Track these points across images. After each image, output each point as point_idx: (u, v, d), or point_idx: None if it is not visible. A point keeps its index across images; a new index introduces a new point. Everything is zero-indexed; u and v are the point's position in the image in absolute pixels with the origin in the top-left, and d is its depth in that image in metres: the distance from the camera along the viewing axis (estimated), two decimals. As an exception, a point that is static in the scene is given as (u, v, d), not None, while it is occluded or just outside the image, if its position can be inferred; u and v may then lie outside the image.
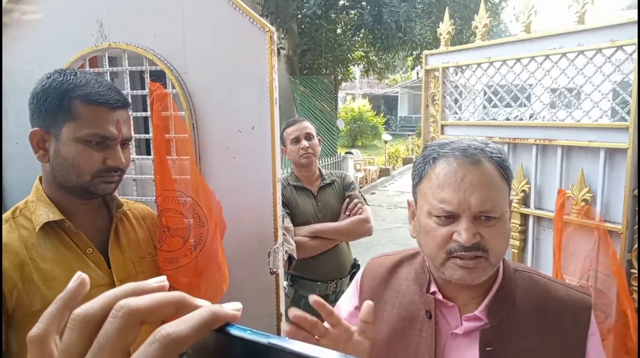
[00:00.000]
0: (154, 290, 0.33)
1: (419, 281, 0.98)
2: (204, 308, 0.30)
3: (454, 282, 0.87)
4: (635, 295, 1.44)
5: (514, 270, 0.95)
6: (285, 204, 2.19)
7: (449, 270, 0.85)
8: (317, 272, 2.22)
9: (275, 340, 0.28)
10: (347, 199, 2.30)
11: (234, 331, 0.30)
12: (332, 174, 2.41)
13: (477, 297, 0.91)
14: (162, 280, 0.34)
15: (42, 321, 0.32)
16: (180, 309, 0.31)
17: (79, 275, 0.34)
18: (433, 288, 0.95)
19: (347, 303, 1.11)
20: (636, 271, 1.44)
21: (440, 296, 0.93)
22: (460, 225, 0.82)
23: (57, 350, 0.31)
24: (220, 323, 0.30)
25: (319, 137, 2.34)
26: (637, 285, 1.44)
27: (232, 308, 0.31)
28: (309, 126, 2.28)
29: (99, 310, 0.30)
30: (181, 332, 0.28)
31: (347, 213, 2.26)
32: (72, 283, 0.34)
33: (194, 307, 0.31)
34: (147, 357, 0.27)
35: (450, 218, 0.84)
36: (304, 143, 2.22)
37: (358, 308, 1.06)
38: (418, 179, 0.92)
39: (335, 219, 2.26)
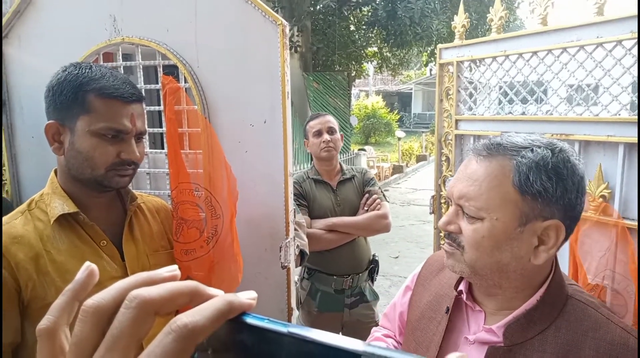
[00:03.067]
0: (166, 279, 0.32)
1: (457, 276, 0.98)
2: (220, 297, 0.29)
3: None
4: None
5: (568, 296, 0.83)
6: (303, 197, 2.20)
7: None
8: (334, 266, 2.23)
9: (294, 329, 0.28)
10: (367, 195, 2.30)
11: (250, 320, 0.29)
12: (352, 169, 2.41)
13: (504, 310, 0.85)
14: (173, 269, 0.33)
15: (51, 313, 0.31)
16: (194, 299, 0.30)
17: (88, 265, 0.33)
18: (462, 286, 0.93)
19: (405, 283, 1.17)
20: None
21: (464, 297, 0.92)
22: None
23: (67, 343, 0.30)
24: (236, 313, 0.29)
25: (341, 133, 2.35)
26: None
27: (247, 297, 0.30)
28: (331, 120, 2.29)
29: (111, 301, 0.29)
30: (198, 322, 0.26)
31: (366, 208, 2.26)
32: (80, 274, 0.33)
33: (208, 297, 0.30)
34: (163, 348, 0.26)
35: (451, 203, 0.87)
36: (326, 136, 2.23)
37: (409, 288, 1.14)
38: None
39: (354, 214, 2.26)
